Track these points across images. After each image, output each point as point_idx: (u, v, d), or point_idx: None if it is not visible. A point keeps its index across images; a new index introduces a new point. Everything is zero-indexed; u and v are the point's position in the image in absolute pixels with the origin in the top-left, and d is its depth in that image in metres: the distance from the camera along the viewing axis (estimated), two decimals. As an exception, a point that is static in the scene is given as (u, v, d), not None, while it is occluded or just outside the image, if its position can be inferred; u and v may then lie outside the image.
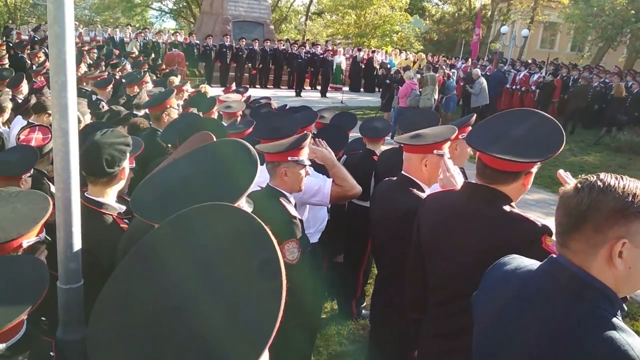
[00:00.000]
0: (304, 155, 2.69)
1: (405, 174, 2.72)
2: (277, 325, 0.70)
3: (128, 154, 2.49)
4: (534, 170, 2.01)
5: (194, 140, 2.28)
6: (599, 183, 1.25)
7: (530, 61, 20.93)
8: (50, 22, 1.78)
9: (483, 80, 14.24)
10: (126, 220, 2.44)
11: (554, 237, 1.77)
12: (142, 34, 19.07)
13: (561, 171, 2.12)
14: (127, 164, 2.50)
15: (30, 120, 4.90)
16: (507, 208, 1.97)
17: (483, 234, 1.96)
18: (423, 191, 2.66)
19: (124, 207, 2.50)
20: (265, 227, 0.81)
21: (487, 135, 2.03)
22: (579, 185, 1.29)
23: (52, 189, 2.63)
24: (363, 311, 4.59)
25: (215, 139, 2.11)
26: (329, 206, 3.84)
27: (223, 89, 10.03)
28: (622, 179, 1.26)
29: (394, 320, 2.76)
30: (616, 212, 1.22)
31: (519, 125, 2.03)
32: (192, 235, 0.85)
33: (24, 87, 6.42)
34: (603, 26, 23.74)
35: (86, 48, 13.49)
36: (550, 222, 1.97)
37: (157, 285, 0.78)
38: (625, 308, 1.31)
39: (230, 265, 0.78)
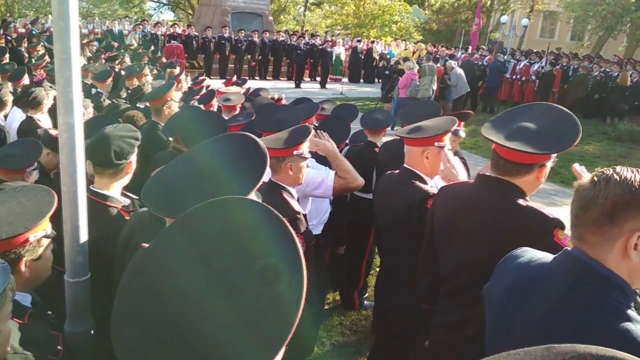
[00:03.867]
0: (306, 148, 2.70)
1: (408, 166, 2.73)
2: (292, 333, 0.69)
3: (136, 148, 2.50)
4: (549, 164, 2.01)
5: None
6: (616, 176, 1.26)
7: (530, 50, 20.90)
8: (55, 18, 1.79)
9: (459, 70, 14.24)
10: (131, 214, 2.46)
11: (566, 231, 1.78)
12: (141, 26, 18.98)
13: (576, 165, 2.12)
14: (134, 158, 2.52)
15: (28, 115, 4.90)
16: (520, 201, 1.97)
17: (495, 226, 1.97)
18: (426, 183, 2.68)
19: (128, 201, 2.51)
20: (284, 222, 0.80)
21: (503, 128, 2.03)
22: (595, 178, 1.29)
23: None
24: (365, 302, 4.62)
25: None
26: (332, 198, 3.86)
27: (223, 81, 10.02)
28: (638, 171, 1.27)
29: (398, 311, 2.78)
30: (632, 205, 1.22)
31: (536, 119, 2.02)
32: (201, 234, 0.84)
33: (25, 81, 6.41)
34: (603, 15, 23.67)
35: (85, 41, 13.45)
36: (550, 211, 1.99)
37: (168, 293, 0.77)
38: (639, 299, 1.32)
39: (244, 265, 0.77)
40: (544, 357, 0.60)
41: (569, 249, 1.37)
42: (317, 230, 3.53)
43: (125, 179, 2.52)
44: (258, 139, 1.58)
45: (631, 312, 1.24)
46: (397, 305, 2.78)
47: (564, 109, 2.09)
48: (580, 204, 1.31)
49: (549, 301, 1.34)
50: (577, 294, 1.29)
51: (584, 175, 1.45)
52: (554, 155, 1.96)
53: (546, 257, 1.46)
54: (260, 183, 1.47)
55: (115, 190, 2.47)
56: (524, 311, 1.40)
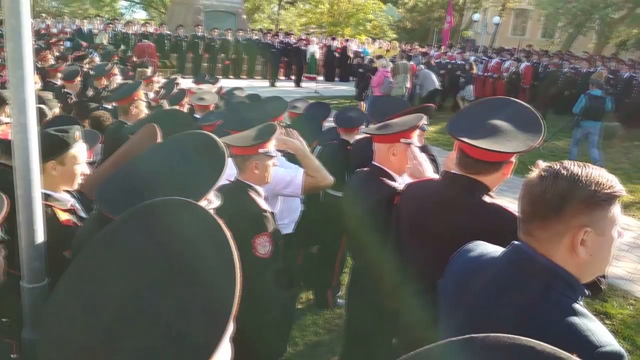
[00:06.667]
0: (272, 146, 2.67)
1: (376, 163, 2.72)
2: (222, 340, 0.68)
3: (63, 149, 2.42)
4: (514, 159, 2.01)
5: (140, 135, 2.25)
6: (563, 171, 1.25)
7: (502, 48, 21.15)
8: (6, 15, 1.72)
9: (423, 69, 14.42)
10: (68, 214, 2.41)
11: None
12: (112, 25, 18.68)
13: (540, 162, 2.14)
14: (67, 159, 2.44)
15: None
16: (486, 198, 1.97)
17: (462, 224, 1.97)
18: (394, 180, 2.67)
19: (71, 200, 2.45)
20: (223, 227, 0.79)
21: (469, 125, 2.02)
22: (543, 173, 1.29)
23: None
24: (339, 300, 4.61)
25: (159, 133, 2.08)
26: (302, 197, 3.84)
27: (195, 80, 9.91)
28: (586, 166, 1.26)
29: (370, 309, 2.78)
30: (579, 200, 1.22)
31: (498, 115, 2.02)
32: (150, 226, 0.83)
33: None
34: (573, 12, 24.10)
35: (53, 40, 13.19)
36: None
37: (111, 277, 0.77)
38: (587, 293, 1.32)
39: (187, 260, 0.76)
40: (463, 350, 0.60)
41: (518, 243, 1.37)
42: (288, 229, 3.51)
43: (67, 180, 2.46)
44: (217, 138, 1.54)
45: (577, 306, 1.24)
46: (368, 303, 2.77)
47: (523, 102, 2.10)
48: (528, 200, 1.31)
49: (496, 295, 1.33)
50: (523, 288, 1.29)
51: None
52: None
53: (496, 251, 1.46)
54: (219, 182, 1.44)
55: (58, 190, 2.42)
56: (471, 305, 1.40)
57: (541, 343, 0.58)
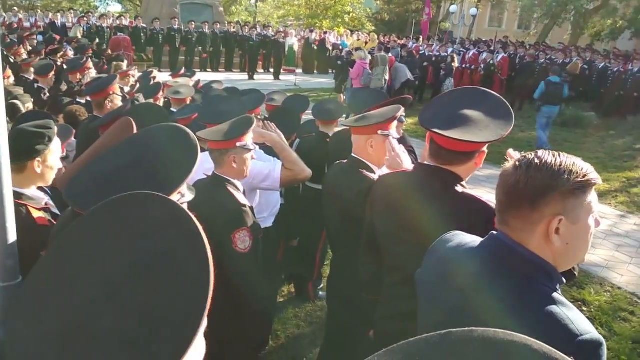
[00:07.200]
0: (250, 139, 2.64)
1: (355, 156, 2.71)
2: (197, 334, 0.66)
3: (46, 145, 2.38)
4: (486, 149, 2.02)
5: (115, 128, 2.21)
6: (536, 160, 1.26)
7: (479, 39, 21.30)
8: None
9: (397, 64, 14.61)
10: (44, 212, 2.36)
11: None
12: (86, 19, 18.34)
13: (511, 150, 2.15)
14: (46, 159, 2.39)
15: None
16: (459, 189, 1.97)
17: (436, 216, 1.96)
18: (373, 172, 2.66)
19: (45, 198, 2.40)
20: (194, 220, 0.77)
21: (440, 116, 2.01)
22: (517, 163, 1.30)
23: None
24: (320, 293, 4.61)
25: (134, 126, 2.04)
26: (282, 190, 3.82)
27: (171, 74, 9.79)
28: (559, 155, 1.27)
29: (350, 301, 2.78)
30: (552, 189, 1.22)
31: (469, 105, 2.02)
32: (120, 221, 0.81)
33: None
34: (548, 4, 24.33)
35: (26, 34, 12.90)
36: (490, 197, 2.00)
37: (79, 275, 0.75)
38: (565, 281, 1.33)
39: (158, 255, 0.74)
40: (441, 343, 0.59)
41: (496, 233, 1.37)
42: (268, 222, 3.49)
43: (39, 176, 2.40)
44: (188, 130, 1.51)
45: (557, 295, 1.25)
46: (348, 295, 2.77)
47: (491, 92, 2.11)
48: (502, 190, 1.32)
49: (475, 286, 1.34)
50: (501, 278, 1.29)
51: None
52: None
53: (474, 241, 1.46)
54: (191, 175, 1.41)
55: (30, 188, 2.36)
56: (449, 296, 1.40)
57: (538, 342, 0.57)
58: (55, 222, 2.35)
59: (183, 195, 1.49)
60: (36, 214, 2.35)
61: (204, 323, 0.70)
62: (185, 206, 1.56)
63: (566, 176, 1.22)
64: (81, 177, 1.49)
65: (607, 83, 15.86)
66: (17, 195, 2.27)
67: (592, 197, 1.26)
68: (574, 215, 1.24)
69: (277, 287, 4.47)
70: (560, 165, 1.24)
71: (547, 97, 10.34)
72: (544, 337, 1.13)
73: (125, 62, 9.52)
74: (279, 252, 4.35)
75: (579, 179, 1.22)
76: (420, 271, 1.62)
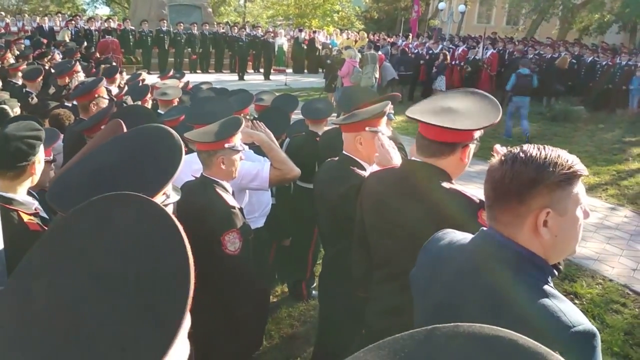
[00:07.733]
0: (238, 140, 2.62)
1: (346, 153, 2.71)
2: (176, 338, 0.65)
3: (39, 148, 2.36)
4: (472, 145, 2.02)
5: (105, 131, 2.19)
6: (521, 155, 1.26)
7: (468, 36, 21.36)
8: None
9: (385, 63, 14.75)
10: (34, 217, 2.33)
11: None
12: (73, 22, 18.21)
13: (497, 146, 2.15)
14: (39, 159, 2.38)
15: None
16: (444, 184, 1.97)
17: (422, 211, 1.97)
18: (364, 169, 2.66)
19: (35, 203, 2.38)
20: (175, 221, 0.76)
21: (426, 108, 2.03)
22: (502, 157, 1.30)
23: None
24: (313, 292, 4.60)
25: (124, 128, 2.02)
26: (273, 190, 3.81)
27: (160, 75, 9.74)
28: (545, 149, 1.27)
29: (342, 298, 2.77)
30: (538, 182, 1.23)
31: (456, 100, 2.05)
32: (101, 222, 0.80)
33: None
34: (536, -1, 24.49)
35: (13, 39, 12.80)
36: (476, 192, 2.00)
37: (59, 278, 0.74)
38: (557, 274, 1.33)
39: (138, 256, 0.73)
40: (427, 339, 0.58)
41: (486, 229, 1.38)
42: (259, 223, 3.48)
43: (30, 180, 2.37)
44: (173, 131, 1.49)
45: (548, 288, 1.25)
46: (339, 293, 2.76)
47: (484, 92, 2.13)
48: (490, 185, 1.32)
49: (467, 283, 1.34)
50: (493, 273, 1.29)
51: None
52: (476, 136, 1.97)
53: (465, 238, 1.47)
54: (176, 176, 1.39)
55: (19, 193, 2.33)
56: (442, 293, 1.40)
57: (524, 337, 0.56)
58: (46, 228, 2.32)
59: (168, 196, 1.48)
60: (27, 219, 2.33)
61: (187, 323, 0.68)
62: (170, 207, 1.55)
63: (551, 169, 1.22)
64: (64, 178, 1.47)
65: (596, 77, 15.93)
66: (8, 201, 2.25)
67: (579, 188, 1.26)
68: (561, 207, 1.24)
69: (270, 287, 4.46)
70: (545, 158, 1.24)
71: (517, 88, 11.09)
72: (537, 330, 1.13)
73: (114, 64, 9.46)
74: (271, 252, 4.34)
75: (565, 171, 1.22)
76: (414, 271, 1.61)
